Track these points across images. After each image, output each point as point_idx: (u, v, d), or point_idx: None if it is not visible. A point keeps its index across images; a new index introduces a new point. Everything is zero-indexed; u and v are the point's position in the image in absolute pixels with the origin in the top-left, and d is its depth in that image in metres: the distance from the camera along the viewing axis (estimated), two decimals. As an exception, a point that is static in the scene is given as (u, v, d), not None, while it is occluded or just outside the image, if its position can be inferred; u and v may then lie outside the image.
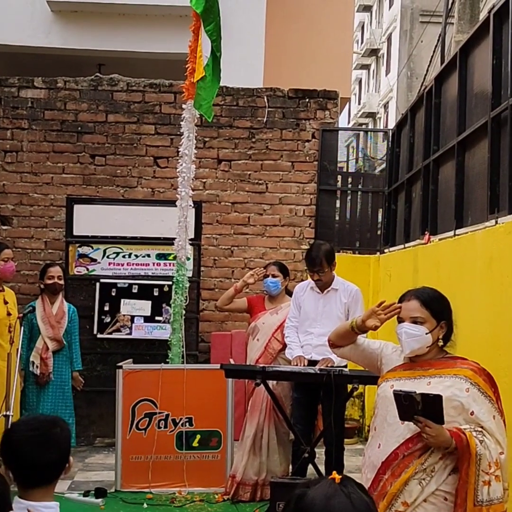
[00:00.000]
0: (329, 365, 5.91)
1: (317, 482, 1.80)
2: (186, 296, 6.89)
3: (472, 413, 3.17)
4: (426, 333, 3.31)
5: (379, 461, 3.27)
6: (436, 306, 3.37)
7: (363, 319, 3.50)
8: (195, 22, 6.81)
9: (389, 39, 41.09)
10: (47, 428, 2.67)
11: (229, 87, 8.98)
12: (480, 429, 3.14)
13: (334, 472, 1.83)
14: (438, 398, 3.09)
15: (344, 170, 10.21)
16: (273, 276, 6.67)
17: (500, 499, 3.10)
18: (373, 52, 45.71)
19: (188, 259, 7.17)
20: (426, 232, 7.01)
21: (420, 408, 3.09)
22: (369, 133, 11.13)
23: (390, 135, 9.62)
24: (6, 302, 6.45)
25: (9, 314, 6.42)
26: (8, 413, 5.47)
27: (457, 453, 3.11)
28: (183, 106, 6.91)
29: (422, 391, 3.13)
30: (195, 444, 6.52)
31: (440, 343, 3.37)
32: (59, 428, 2.70)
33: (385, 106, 42.23)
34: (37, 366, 6.96)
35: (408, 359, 3.45)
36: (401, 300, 3.44)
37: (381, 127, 40.78)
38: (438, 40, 12.32)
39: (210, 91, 6.84)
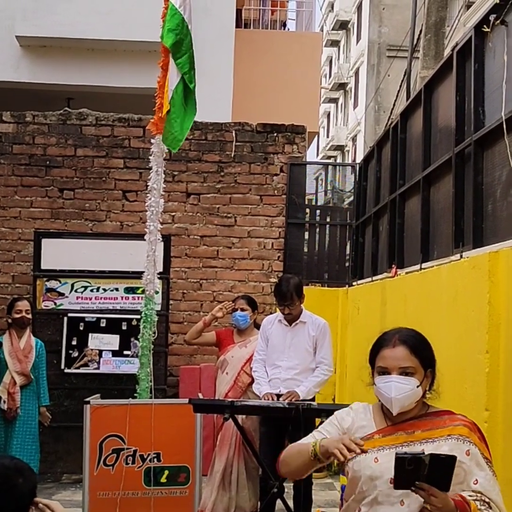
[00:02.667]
0: (294, 399, 5.91)
1: None
2: (155, 330, 6.85)
3: (475, 482, 2.71)
4: (417, 386, 2.80)
5: None
6: (424, 353, 2.87)
7: (329, 449, 2.75)
8: (164, 58, 6.84)
9: (356, 73, 41.63)
10: (8, 476, 2.44)
11: (198, 121, 9.00)
12: (487, 500, 2.69)
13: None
14: (451, 460, 2.55)
15: (313, 202, 10.30)
16: (242, 309, 6.68)
17: None
18: (341, 86, 46.26)
19: (157, 292, 7.14)
20: (393, 265, 7.06)
21: (426, 473, 2.55)
22: (338, 166, 11.22)
23: (357, 169, 9.72)
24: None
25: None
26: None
27: None
28: (152, 140, 6.93)
29: (431, 452, 2.59)
30: (163, 480, 6.44)
31: (427, 397, 2.91)
32: (23, 478, 2.46)
33: (353, 139, 42.68)
34: (4, 401, 6.89)
35: (382, 419, 2.92)
36: (378, 345, 2.91)
37: (350, 160, 41.22)
38: (404, 75, 12.49)
39: (174, 123, 6.85)
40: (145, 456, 6.43)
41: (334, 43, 48.37)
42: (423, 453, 2.56)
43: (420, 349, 2.86)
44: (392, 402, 2.78)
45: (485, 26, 4.92)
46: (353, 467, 2.80)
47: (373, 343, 2.94)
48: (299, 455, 2.86)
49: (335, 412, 3.04)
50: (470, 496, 2.66)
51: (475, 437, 2.78)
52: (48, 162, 9.08)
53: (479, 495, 2.68)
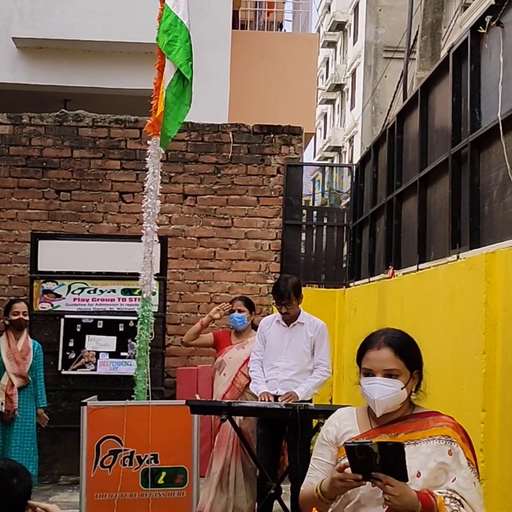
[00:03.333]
0: (292, 400, 5.91)
1: None
2: (152, 332, 6.85)
3: (453, 480, 2.70)
4: (402, 388, 2.79)
5: None
6: (410, 355, 2.86)
7: (331, 494, 2.75)
8: (160, 59, 6.85)
9: (353, 74, 41.66)
10: (3, 477, 2.44)
11: (194, 123, 9.05)
12: (459, 498, 2.66)
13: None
14: (398, 447, 2.56)
15: (310, 204, 10.30)
16: (239, 311, 6.69)
17: None
18: (338, 87, 46.28)
19: (154, 294, 7.14)
20: (390, 267, 7.07)
21: (379, 462, 2.55)
22: (334, 167, 11.21)
23: (354, 170, 9.73)
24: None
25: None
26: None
27: None
28: (149, 142, 6.92)
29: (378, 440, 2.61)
30: (160, 481, 6.44)
31: (413, 397, 2.91)
32: (17, 479, 2.46)
33: (350, 140, 42.69)
34: (2, 403, 6.89)
35: (367, 422, 2.91)
36: (364, 346, 2.91)
37: (347, 161, 41.20)
38: (401, 76, 12.51)
39: (165, 122, 6.84)
40: (143, 458, 6.42)
41: (331, 44, 48.38)
42: (371, 442, 2.56)
43: (406, 351, 2.85)
44: (376, 404, 2.78)
45: (481, 27, 4.93)
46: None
47: (360, 343, 2.94)
48: (311, 498, 2.84)
49: (321, 429, 3.05)
50: (440, 492, 2.66)
51: (458, 437, 2.77)
52: (44, 164, 9.08)
53: (450, 492, 2.66)
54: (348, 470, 2.62)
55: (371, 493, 2.71)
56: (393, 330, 2.97)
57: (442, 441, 2.74)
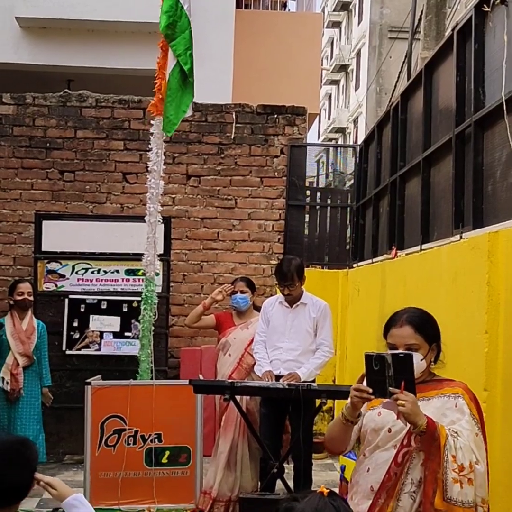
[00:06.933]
0: (294, 380, 5.93)
1: (305, 496, 1.84)
2: (155, 312, 6.87)
3: (453, 423, 3.06)
4: (421, 360, 3.18)
5: (369, 486, 3.17)
6: (428, 330, 3.25)
7: (350, 404, 3.14)
8: (164, 39, 6.83)
9: (358, 55, 41.47)
10: (15, 448, 2.63)
11: (198, 103, 8.99)
12: (455, 430, 3.02)
13: (322, 486, 1.87)
14: (408, 357, 3.00)
15: (314, 185, 10.28)
16: (242, 292, 6.69)
17: (471, 504, 2.94)
18: (343, 68, 46.06)
19: (157, 274, 7.15)
20: (393, 247, 7.07)
21: (391, 374, 2.96)
22: (339, 148, 11.16)
23: (358, 150, 9.70)
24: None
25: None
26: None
27: (424, 439, 2.97)
28: (152, 122, 6.92)
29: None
30: (164, 460, 6.48)
31: (432, 367, 3.28)
32: (27, 448, 2.67)
33: (355, 121, 42.55)
34: (7, 382, 6.91)
35: None
36: (389, 324, 3.30)
37: (351, 142, 41.08)
38: (405, 56, 12.43)
39: (170, 106, 6.83)
40: (146, 437, 6.46)
41: (336, 24, 48.12)
42: (386, 353, 3.03)
43: (424, 327, 3.25)
44: None
45: (485, 5, 4.90)
46: (363, 422, 3.26)
47: (386, 321, 3.33)
48: (335, 425, 3.30)
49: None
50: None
51: (467, 397, 3.12)
52: (48, 144, 9.07)
53: (449, 426, 3.02)
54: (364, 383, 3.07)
55: (387, 438, 3.14)
56: (414, 309, 3.40)
57: (451, 397, 3.13)
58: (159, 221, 6.93)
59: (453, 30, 5.59)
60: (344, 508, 1.81)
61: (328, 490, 1.84)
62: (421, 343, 3.21)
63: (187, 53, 6.70)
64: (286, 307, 6.29)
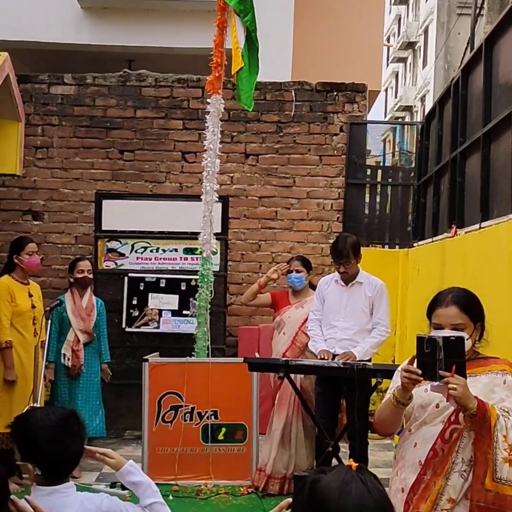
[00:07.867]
0: (349, 359, 5.89)
1: (333, 469, 1.85)
2: (212, 290, 6.91)
3: (502, 400, 3.07)
4: (467, 339, 3.16)
5: (417, 460, 3.17)
6: (474, 310, 3.26)
7: (401, 386, 3.14)
8: (220, 17, 6.83)
9: (426, 31, 40.76)
10: (65, 420, 2.71)
11: (256, 81, 8.97)
12: (506, 410, 3.02)
13: (351, 459, 1.86)
14: (459, 340, 3.00)
15: (381, 164, 10.15)
16: (297, 271, 6.67)
17: None
18: (410, 45, 45.33)
19: (215, 253, 7.19)
20: (453, 225, 6.94)
21: (442, 357, 2.95)
22: (405, 127, 10.98)
23: (420, 128, 9.55)
24: (30, 295, 6.54)
25: (33, 306, 6.50)
26: (35, 404, 5.55)
27: (474, 421, 2.97)
28: (208, 100, 6.93)
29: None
30: (220, 437, 6.55)
31: (476, 346, 3.29)
32: (76, 419, 2.75)
33: (422, 99, 41.89)
34: (68, 359, 7.03)
35: None
36: (434, 304, 3.30)
37: (418, 120, 40.50)
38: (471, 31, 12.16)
39: (247, 81, 6.85)
40: (203, 414, 6.53)
41: (403, 1, 47.33)
42: (438, 336, 3.00)
43: (470, 307, 3.24)
44: None
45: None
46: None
47: (430, 301, 3.32)
48: (386, 407, 3.27)
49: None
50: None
51: None
52: (108, 124, 9.17)
53: (500, 405, 3.02)
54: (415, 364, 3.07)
55: (435, 413, 3.16)
56: (458, 288, 3.37)
57: (499, 374, 3.14)
58: (215, 199, 6.95)
59: (513, 1, 5.44)
60: (372, 482, 1.79)
61: (357, 464, 1.82)
62: (467, 322, 3.21)
63: (256, 31, 6.72)
64: (341, 285, 6.24)
